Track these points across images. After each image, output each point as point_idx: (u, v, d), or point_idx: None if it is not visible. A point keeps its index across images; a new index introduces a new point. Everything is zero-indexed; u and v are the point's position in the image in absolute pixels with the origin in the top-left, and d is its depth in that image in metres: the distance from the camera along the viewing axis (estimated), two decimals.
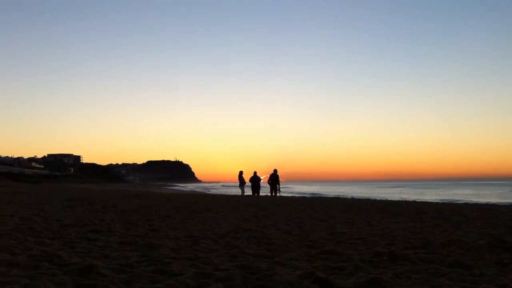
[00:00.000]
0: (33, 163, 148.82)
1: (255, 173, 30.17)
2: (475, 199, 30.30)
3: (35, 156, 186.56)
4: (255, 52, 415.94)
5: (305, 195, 37.22)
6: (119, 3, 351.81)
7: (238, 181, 31.02)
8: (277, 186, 29.33)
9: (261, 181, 30.38)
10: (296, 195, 35.69)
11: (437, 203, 20.92)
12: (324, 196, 36.73)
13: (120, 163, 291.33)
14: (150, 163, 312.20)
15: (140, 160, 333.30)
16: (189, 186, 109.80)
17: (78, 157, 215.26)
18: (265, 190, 30.71)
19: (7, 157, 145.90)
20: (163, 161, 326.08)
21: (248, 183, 30.29)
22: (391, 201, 21.64)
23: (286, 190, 56.23)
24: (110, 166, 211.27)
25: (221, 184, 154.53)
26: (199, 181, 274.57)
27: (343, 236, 7.91)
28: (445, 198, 35.37)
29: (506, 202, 23.67)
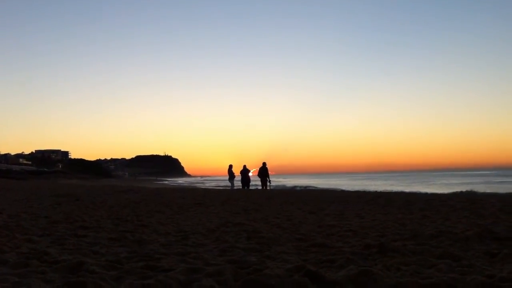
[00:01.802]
0: (20, 159, 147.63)
1: (244, 166, 30.15)
2: (460, 189, 30.51)
3: (23, 152, 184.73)
4: (245, 46, 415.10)
5: (295, 188, 37.31)
6: None
7: (228, 175, 30.99)
8: (267, 179, 29.33)
9: (251, 174, 30.37)
10: (286, 188, 35.76)
11: (426, 193, 21.04)
12: (314, 188, 36.85)
13: (108, 158, 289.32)
14: (139, 158, 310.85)
15: (129, 155, 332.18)
16: (179, 181, 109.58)
17: (66, 153, 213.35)
18: (255, 184, 30.72)
19: None
20: (152, 155, 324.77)
21: (238, 176, 30.27)
22: (381, 192, 21.74)
23: (276, 183, 56.34)
24: (98, 162, 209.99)
25: (211, 178, 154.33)
26: (189, 176, 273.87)
27: (333, 228, 7.94)
28: (434, 190, 35.60)
29: (494, 192, 23.87)
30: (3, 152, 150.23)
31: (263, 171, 29.26)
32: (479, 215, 9.69)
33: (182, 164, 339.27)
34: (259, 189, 27.69)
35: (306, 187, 43.82)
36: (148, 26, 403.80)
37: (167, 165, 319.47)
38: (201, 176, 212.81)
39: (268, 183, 29.12)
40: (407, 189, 31.81)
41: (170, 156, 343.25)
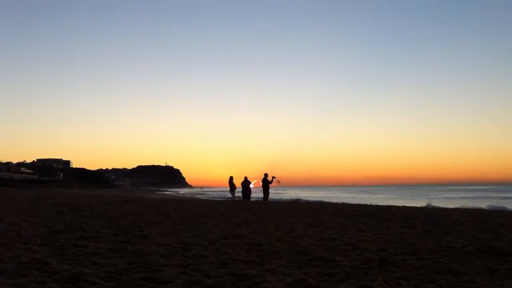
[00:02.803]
0: (22, 168, 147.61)
1: (245, 178, 30.14)
2: (462, 203, 30.42)
3: (24, 161, 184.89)
4: (247, 56, 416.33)
5: (296, 200, 37.25)
6: (107, 4, 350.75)
7: (228, 186, 30.99)
8: (267, 190, 29.34)
9: (252, 186, 30.37)
10: (287, 200, 35.71)
11: (427, 207, 21.01)
12: (315, 201, 36.78)
13: (110, 168, 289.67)
14: (140, 168, 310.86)
15: (130, 165, 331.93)
16: (180, 191, 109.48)
17: (68, 162, 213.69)
18: (256, 196, 30.71)
19: None
20: (154, 166, 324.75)
21: (239, 188, 30.26)
22: (382, 206, 21.72)
23: (277, 195, 56.17)
24: (100, 171, 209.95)
25: (211, 189, 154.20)
26: (190, 186, 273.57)
27: (333, 242, 7.92)
28: (435, 203, 35.53)
29: (495, 207, 23.83)
30: (4, 161, 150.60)
31: (264, 183, 29.27)
32: (480, 230, 9.67)
33: (183, 175, 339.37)
34: (260, 201, 27.65)
35: (307, 199, 43.75)
36: (149, 37, 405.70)
37: (168, 175, 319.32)
38: (202, 187, 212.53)
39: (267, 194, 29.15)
40: (408, 203, 31.70)
41: (171, 167, 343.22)
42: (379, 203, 27.88)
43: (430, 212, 16.17)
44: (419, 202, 35.25)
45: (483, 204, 30.82)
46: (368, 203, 27.66)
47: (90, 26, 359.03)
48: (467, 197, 53.26)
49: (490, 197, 52.87)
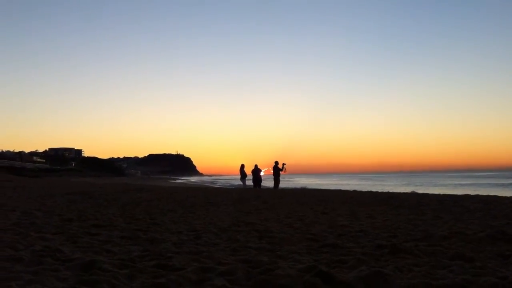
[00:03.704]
0: (34, 157, 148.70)
1: (256, 166, 30.17)
2: (475, 191, 30.24)
3: (37, 150, 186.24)
4: (257, 44, 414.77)
5: (307, 188, 37.25)
6: None
7: (239, 174, 31.03)
8: (278, 178, 29.38)
9: (262, 174, 30.39)
10: (298, 188, 35.71)
11: (439, 194, 20.93)
12: (326, 188, 36.76)
13: (121, 156, 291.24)
14: (152, 157, 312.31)
15: (141, 153, 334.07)
16: (191, 180, 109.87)
17: (80, 151, 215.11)
18: (267, 183, 30.73)
19: (8, 151, 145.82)
20: (165, 154, 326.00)
21: (249, 176, 30.29)
22: (393, 193, 21.66)
23: (287, 183, 56.22)
24: (111, 160, 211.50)
25: (222, 177, 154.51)
26: (201, 175, 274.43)
27: (344, 229, 7.92)
28: (447, 190, 35.36)
29: (508, 194, 23.67)
30: (17, 150, 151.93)
31: (275, 170, 29.30)
32: (492, 216, 9.62)
33: (194, 163, 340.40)
34: (270, 189, 27.68)
35: (317, 186, 43.74)
36: (161, 25, 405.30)
37: (180, 163, 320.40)
38: (213, 175, 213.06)
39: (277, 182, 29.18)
40: (420, 190, 31.59)
41: (182, 155, 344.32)
42: (390, 190, 27.83)
43: (441, 198, 16.09)
44: (429, 189, 35.13)
45: (493, 191, 30.66)
46: (380, 190, 27.63)
47: (103, 18, 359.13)
48: (478, 184, 52.91)
49: (503, 184, 52.47)
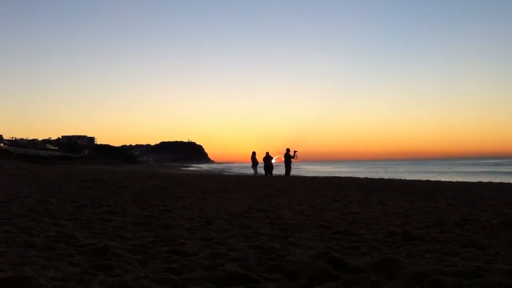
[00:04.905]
0: (47, 145, 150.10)
1: (267, 153, 30.13)
2: (489, 178, 30.02)
3: (50, 138, 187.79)
4: (269, 31, 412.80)
5: (318, 175, 37.22)
6: None
7: (251, 161, 31.03)
8: (289, 165, 29.34)
9: (274, 161, 30.34)
10: (310, 175, 35.68)
11: (451, 181, 20.81)
12: (338, 176, 36.68)
13: (133, 144, 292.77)
14: (163, 144, 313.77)
15: (153, 141, 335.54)
16: (203, 167, 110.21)
17: (92, 139, 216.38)
18: (278, 171, 30.72)
19: (22, 139, 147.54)
20: (176, 142, 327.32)
21: (261, 163, 30.27)
22: (405, 180, 21.57)
23: (298, 170, 56.18)
24: (123, 148, 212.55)
25: (234, 164, 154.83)
26: (212, 162, 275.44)
27: (356, 216, 7.92)
28: (459, 177, 35.15)
29: None
30: (30, 138, 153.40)
31: (286, 158, 29.25)
32: (506, 204, 9.56)
33: (206, 151, 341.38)
34: (282, 176, 27.67)
35: (329, 174, 43.66)
36: (178, 16, 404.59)
37: (191, 151, 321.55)
38: (224, 163, 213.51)
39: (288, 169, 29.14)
40: (432, 177, 31.41)
41: (194, 143, 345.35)
42: (402, 177, 27.70)
43: (453, 186, 16.01)
44: (442, 176, 34.93)
45: (507, 178, 30.41)
46: (391, 177, 27.51)
47: (116, 9, 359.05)
48: (491, 171, 52.48)
49: None
